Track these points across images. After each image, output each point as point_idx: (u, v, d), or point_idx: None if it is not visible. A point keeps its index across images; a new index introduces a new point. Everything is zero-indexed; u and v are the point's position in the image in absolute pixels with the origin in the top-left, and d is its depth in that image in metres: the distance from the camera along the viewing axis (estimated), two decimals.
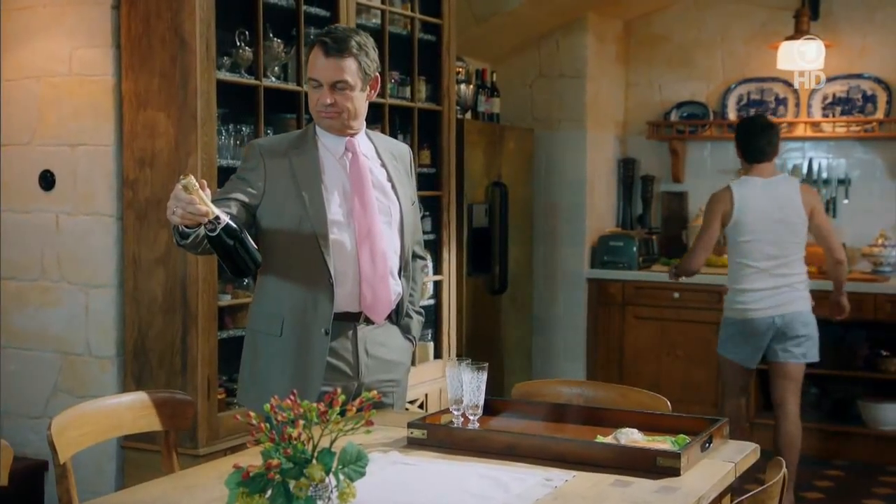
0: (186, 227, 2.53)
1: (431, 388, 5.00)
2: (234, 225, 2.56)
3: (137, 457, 3.88)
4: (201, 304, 3.79)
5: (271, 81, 4.13)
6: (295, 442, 1.63)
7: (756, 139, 4.77)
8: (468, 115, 5.83)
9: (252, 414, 1.71)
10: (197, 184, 2.43)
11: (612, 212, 6.91)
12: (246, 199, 2.82)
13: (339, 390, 1.71)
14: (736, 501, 1.92)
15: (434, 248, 5.16)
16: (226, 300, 3.96)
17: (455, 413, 2.59)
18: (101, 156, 3.93)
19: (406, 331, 3.06)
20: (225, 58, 3.97)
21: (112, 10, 3.87)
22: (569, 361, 6.60)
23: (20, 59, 4.07)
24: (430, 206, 5.16)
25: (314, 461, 1.68)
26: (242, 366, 2.99)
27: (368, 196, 2.92)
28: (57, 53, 3.98)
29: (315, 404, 1.69)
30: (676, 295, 6.23)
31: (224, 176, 3.85)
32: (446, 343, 5.20)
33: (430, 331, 5.20)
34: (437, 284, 5.17)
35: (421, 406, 4.95)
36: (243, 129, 4.07)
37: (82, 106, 3.94)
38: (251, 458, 1.86)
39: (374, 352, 2.94)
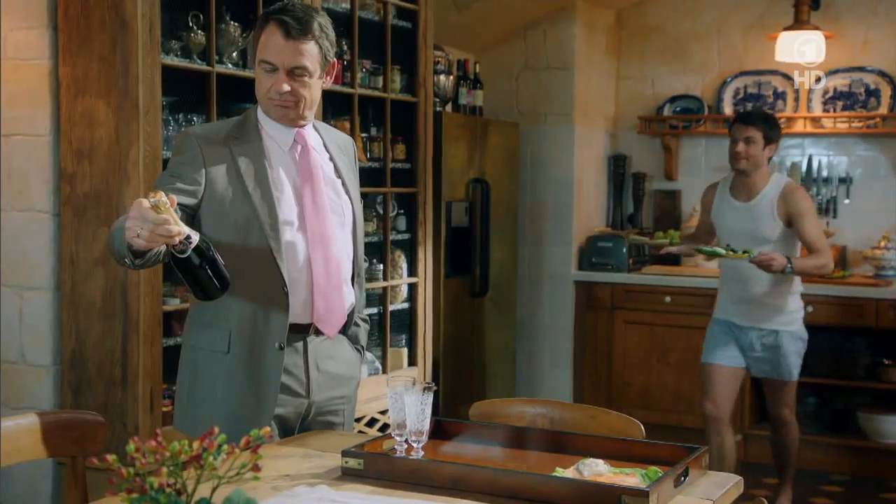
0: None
1: None
2: (206, 243, 2.25)
3: None
4: (143, 309, 3.49)
5: (226, 68, 3.83)
6: (160, 492, 1.31)
7: None
8: (448, 108, 5.52)
9: (111, 458, 1.40)
10: (168, 201, 2.11)
11: (601, 211, 6.58)
12: (185, 200, 2.46)
13: (216, 429, 1.40)
14: None
15: (409, 247, 4.88)
16: (173, 304, 3.66)
17: (398, 439, 2.28)
18: (37, 147, 3.62)
19: (354, 341, 2.76)
20: (175, 42, 3.67)
21: None
22: (554, 368, 6.29)
23: None
24: (405, 204, 4.88)
25: None
26: (180, 387, 2.66)
27: (320, 194, 2.61)
28: None
29: (188, 445, 1.37)
30: (668, 299, 5.92)
31: None
32: (421, 349, 4.91)
33: (404, 336, 4.91)
34: (413, 287, 4.89)
35: None
36: (195, 119, 3.77)
37: (16, 92, 3.63)
38: None
39: (324, 367, 2.64)
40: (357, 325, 2.75)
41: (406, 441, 2.26)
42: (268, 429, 1.43)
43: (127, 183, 3.47)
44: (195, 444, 1.38)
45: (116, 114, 3.48)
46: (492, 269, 5.75)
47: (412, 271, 4.88)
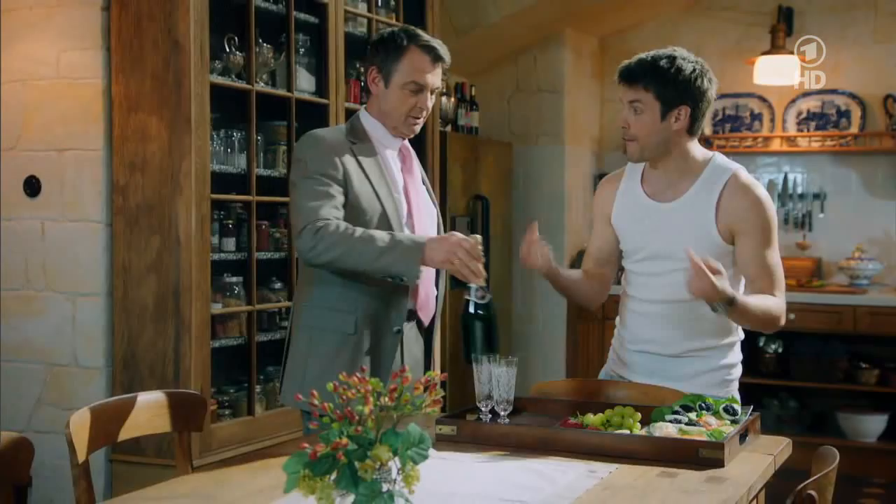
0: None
1: None
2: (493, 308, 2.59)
3: (125, 470, 3.76)
4: (195, 313, 3.69)
5: (261, 86, 4.06)
6: (367, 418, 1.55)
7: None
8: (449, 129, 5.79)
9: (315, 392, 1.63)
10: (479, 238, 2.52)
11: (589, 227, 6.86)
12: (341, 198, 2.73)
13: (407, 367, 1.64)
14: (801, 485, 1.87)
15: None
16: (217, 309, 3.86)
17: (483, 409, 2.52)
18: (90, 161, 3.82)
19: None
20: (216, 62, 3.90)
21: (102, 12, 3.77)
22: (548, 378, 6.52)
23: (5, 62, 3.94)
24: None
25: (379, 442, 1.61)
26: (293, 364, 2.84)
27: (422, 196, 2.93)
28: (44, 56, 3.87)
29: (382, 381, 1.61)
30: None
31: (217, 182, 3.79)
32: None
33: None
34: None
35: None
36: (234, 134, 3.99)
37: (70, 110, 3.84)
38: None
39: (410, 350, 2.89)
40: None
41: (492, 410, 2.50)
42: (440, 372, 1.67)
43: (179, 193, 3.68)
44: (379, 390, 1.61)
45: (169, 129, 3.69)
46: (490, 282, 5.99)
47: None
